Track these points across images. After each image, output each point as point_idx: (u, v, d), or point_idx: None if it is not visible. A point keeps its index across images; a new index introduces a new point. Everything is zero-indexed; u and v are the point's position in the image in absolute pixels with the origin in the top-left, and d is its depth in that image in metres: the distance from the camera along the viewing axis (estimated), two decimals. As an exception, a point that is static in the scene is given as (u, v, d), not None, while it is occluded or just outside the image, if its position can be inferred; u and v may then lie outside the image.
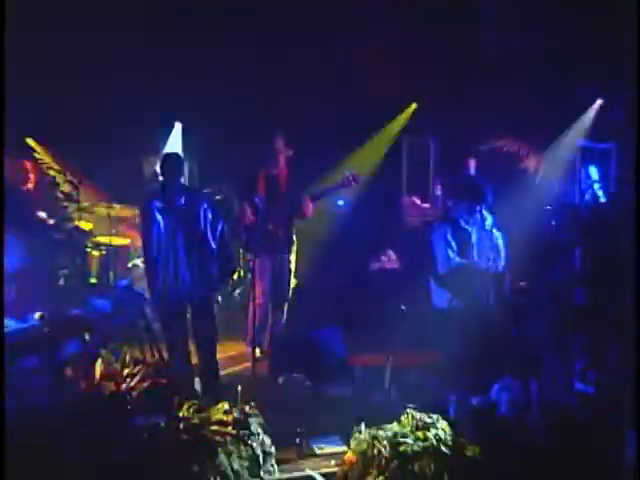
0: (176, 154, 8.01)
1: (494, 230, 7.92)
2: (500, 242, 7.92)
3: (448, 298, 7.77)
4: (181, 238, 7.32)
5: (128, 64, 10.37)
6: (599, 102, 10.85)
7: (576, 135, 10.97)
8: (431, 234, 7.99)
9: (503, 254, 7.91)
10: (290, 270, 8.85)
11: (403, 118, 11.94)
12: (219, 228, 7.50)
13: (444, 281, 7.79)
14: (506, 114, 10.71)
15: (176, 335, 7.55)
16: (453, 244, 7.74)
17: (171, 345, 7.60)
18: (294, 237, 8.77)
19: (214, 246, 7.45)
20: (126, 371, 6.18)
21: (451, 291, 7.74)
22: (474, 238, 7.82)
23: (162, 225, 7.29)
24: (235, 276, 9.83)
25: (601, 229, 8.86)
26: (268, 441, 5.89)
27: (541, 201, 9.41)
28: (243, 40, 10.66)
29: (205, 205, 7.43)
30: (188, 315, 7.61)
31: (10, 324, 7.21)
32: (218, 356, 7.81)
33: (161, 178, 7.57)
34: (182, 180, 7.53)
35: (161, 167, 7.53)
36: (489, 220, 7.88)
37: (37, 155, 10.31)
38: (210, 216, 7.41)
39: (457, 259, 7.70)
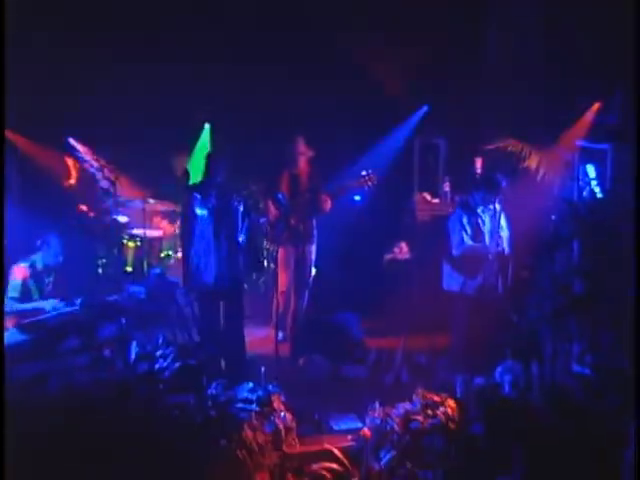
0: (216, 154, 8.06)
1: (503, 220, 7.93)
2: (506, 231, 7.93)
3: (459, 282, 7.78)
4: (216, 231, 7.39)
5: (160, 67, 10.40)
6: (597, 105, 10.78)
7: (575, 136, 10.90)
8: (448, 219, 8.01)
9: (508, 242, 7.91)
10: (311, 260, 8.85)
11: (415, 119, 11.91)
12: (248, 223, 7.56)
13: (457, 263, 7.80)
14: (510, 116, 10.66)
15: (209, 320, 7.60)
16: (468, 228, 7.76)
17: (203, 328, 7.66)
18: (314, 230, 8.77)
19: (244, 239, 7.50)
20: (159, 352, 6.21)
21: (463, 273, 7.75)
22: (487, 225, 7.83)
23: (199, 218, 7.38)
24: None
25: (598, 223, 8.82)
26: (289, 417, 5.91)
27: (542, 197, 9.38)
28: (267, 44, 10.65)
29: (237, 201, 7.49)
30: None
31: (54, 309, 7.27)
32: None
33: (201, 176, 7.68)
34: (219, 178, 7.57)
35: (204, 165, 7.66)
36: (499, 210, 7.89)
37: (78, 153, 10.32)
38: (241, 211, 7.48)
39: (470, 242, 7.71)
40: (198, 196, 7.40)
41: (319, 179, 8.71)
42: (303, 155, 8.73)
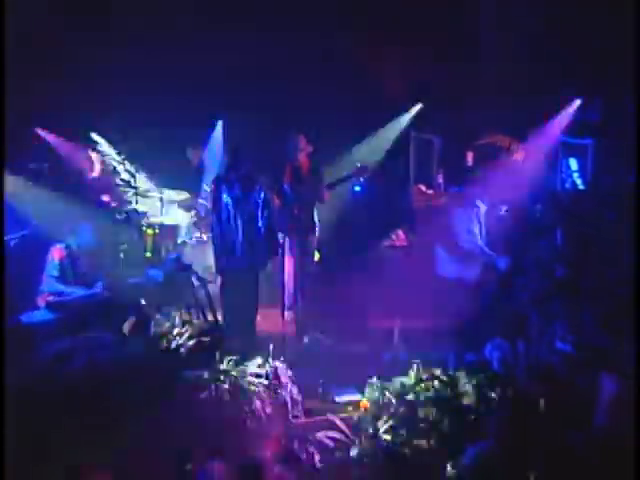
0: (241, 147, 8.09)
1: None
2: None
3: (457, 270, 7.75)
4: (239, 217, 7.45)
5: (175, 69, 10.43)
6: (578, 102, 10.79)
7: (558, 131, 10.89)
8: (455, 216, 7.91)
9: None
10: (313, 246, 8.87)
11: (410, 116, 11.89)
12: (267, 212, 7.61)
13: (460, 256, 7.76)
14: (499, 114, 10.64)
15: (227, 299, 7.66)
16: (477, 229, 7.66)
17: (222, 307, 7.73)
18: (315, 219, 8.78)
19: (263, 225, 7.55)
20: (176, 331, 6.22)
21: (462, 263, 7.71)
22: (483, 221, 7.78)
23: (225, 205, 7.48)
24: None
25: (579, 211, 8.82)
26: (295, 390, 5.93)
27: (528, 188, 9.36)
28: (268, 45, 10.62)
29: (259, 191, 7.55)
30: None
31: (80, 291, 7.29)
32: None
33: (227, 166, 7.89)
34: (243, 170, 7.62)
35: (230, 157, 7.74)
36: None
37: (101, 148, 10.35)
38: (262, 200, 7.54)
39: (480, 242, 7.62)
40: (224, 185, 7.48)
41: (318, 172, 8.75)
42: (303, 150, 8.76)
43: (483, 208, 7.91)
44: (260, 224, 7.56)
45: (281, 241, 8.24)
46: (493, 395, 5.43)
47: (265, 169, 9.20)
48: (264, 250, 7.64)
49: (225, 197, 7.45)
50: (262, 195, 7.60)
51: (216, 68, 10.60)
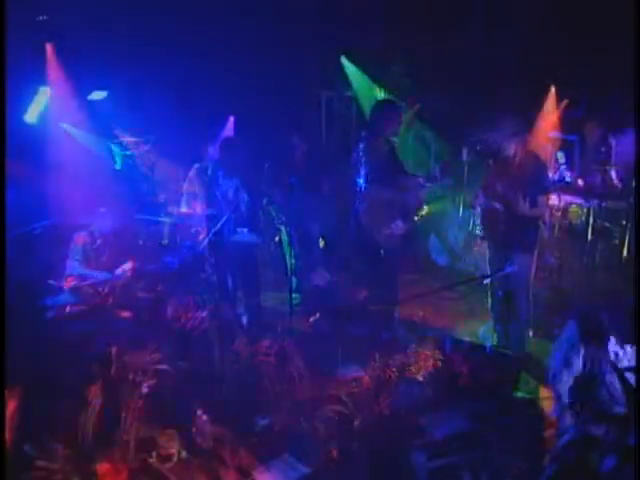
0: (235, 138, 8.06)
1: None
2: None
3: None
4: (230, 209, 7.45)
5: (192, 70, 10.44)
6: (565, 101, 10.77)
7: (547, 128, 10.88)
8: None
9: None
10: (315, 235, 8.91)
11: (411, 115, 11.89)
12: (247, 199, 7.61)
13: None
14: (491, 112, 10.61)
15: (225, 284, 7.69)
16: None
17: (223, 293, 7.73)
18: (314, 212, 8.82)
19: (244, 212, 7.59)
20: (190, 314, 6.22)
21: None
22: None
23: (214, 198, 7.61)
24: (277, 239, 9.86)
25: (567, 204, 8.77)
26: (302, 368, 5.94)
27: (519, 181, 9.33)
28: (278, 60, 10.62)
29: (238, 184, 7.56)
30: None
31: (101, 276, 7.28)
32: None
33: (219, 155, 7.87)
34: (233, 163, 7.61)
35: (219, 152, 7.77)
36: None
37: (122, 142, 10.36)
38: (238, 187, 7.56)
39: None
40: (213, 177, 7.55)
41: (316, 168, 8.79)
42: (299, 148, 8.80)
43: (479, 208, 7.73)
44: (243, 209, 7.59)
45: (287, 230, 8.26)
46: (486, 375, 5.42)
47: (265, 167, 9.25)
48: (250, 236, 7.71)
49: (214, 188, 7.49)
50: (239, 185, 7.60)
51: (224, 69, 10.64)
